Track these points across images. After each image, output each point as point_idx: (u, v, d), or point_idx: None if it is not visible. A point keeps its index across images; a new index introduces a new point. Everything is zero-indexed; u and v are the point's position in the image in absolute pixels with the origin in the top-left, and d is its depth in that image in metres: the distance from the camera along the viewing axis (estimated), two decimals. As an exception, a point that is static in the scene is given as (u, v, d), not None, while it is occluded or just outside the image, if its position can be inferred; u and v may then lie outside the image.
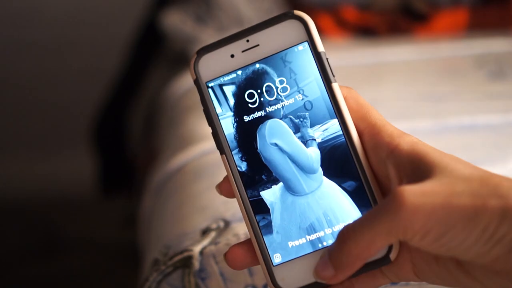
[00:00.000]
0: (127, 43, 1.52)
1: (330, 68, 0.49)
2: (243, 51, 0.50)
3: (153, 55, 1.41)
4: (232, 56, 0.50)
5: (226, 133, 0.50)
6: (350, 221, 0.47)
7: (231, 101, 0.50)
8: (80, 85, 1.86)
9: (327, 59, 0.50)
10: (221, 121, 0.50)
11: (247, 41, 0.50)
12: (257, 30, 0.50)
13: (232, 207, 0.68)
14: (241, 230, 0.64)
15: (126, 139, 1.49)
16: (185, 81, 1.09)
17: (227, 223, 0.65)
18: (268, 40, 0.50)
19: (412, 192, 0.44)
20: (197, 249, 0.63)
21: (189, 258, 0.62)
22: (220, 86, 0.50)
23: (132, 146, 1.46)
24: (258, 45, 0.50)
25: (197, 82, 0.50)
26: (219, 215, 0.67)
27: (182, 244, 0.65)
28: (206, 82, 0.50)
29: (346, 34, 1.25)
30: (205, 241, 0.63)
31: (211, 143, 0.83)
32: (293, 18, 0.50)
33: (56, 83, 1.87)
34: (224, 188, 0.51)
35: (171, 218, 0.74)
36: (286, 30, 0.50)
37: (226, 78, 0.50)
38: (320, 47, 0.50)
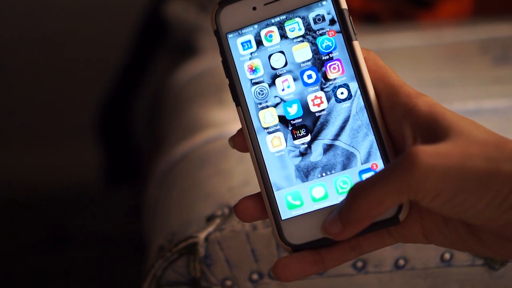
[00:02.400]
0: (130, 33, 1.52)
1: (352, 26, 0.50)
2: (265, 4, 0.50)
3: (157, 45, 1.41)
4: (254, 8, 0.50)
5: (243, 86, 0.50)
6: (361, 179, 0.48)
7: (250, 53, 0.50)
8: (83, 76, 1.86)
9: (349, 16, 0.49)
10: (238, 73, 0.50)
11: None
12: None
13: (236, 194, 0.68)
14: (246, 216, 0.63)
15: (131, 129, 1.49)
16: (189, 70, 1.09)
17: (231, 210, 0.65)
18: None
19: (426, 152, 0.44)
20: (202, 235, 0.63)
21: (194, 245, 0.62)
22: (240, 38, 0.51)
23: (137, 136, 1.46)
24: None
25: (217, 33, 0.51)
26: (224, 202, 0.67)
27: (187, 231, 0.65)
28: (226, 33, 0.51)
29: (350, 22, 1.24)
30: (210, 228, 0.63)
31: (214, 131, 0.83)
32: None
33: (59, 74, 1.87)
34: (237, 141, 0.51)
35: (175, 206, 0.74)
36: None
37: (247, 30, 0.50)
38: (343, 4, 0.50)
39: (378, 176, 0.45)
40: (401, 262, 0.62)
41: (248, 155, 0.51)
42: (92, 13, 1.83)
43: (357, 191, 0.45)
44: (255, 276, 0.62)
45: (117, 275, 1.54)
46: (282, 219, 0.49)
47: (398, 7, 1.24)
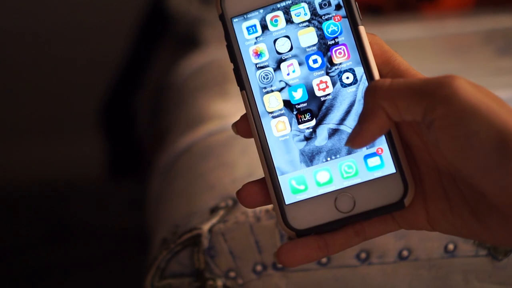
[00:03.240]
0: (133, 25, 1.52)
1: (358, 11, 0.50)
2: None
3: (160, 37, 1.41)
4: None
5: (247, 70, 0.50)
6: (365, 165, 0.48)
7: (255, 38, 0.51)
8: (87, 70, 1.86)
9: (355, 1, 0.50)
10: (243, 57, 0.50)
11: None
12: None
13: (240, 186, 0.67)
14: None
15: (134, 122, 1.49)
16: (192, 63, 1.08)
17: (235, 202, 0.65)
18: None
19: (466, 80, 0.43)
20: (206, 227, 0.63)
21: (198, 236, 0.62)
22: (245, 22, 0.51)
23: (140, 129, 1.46)
24: None
25: (222, 17, 0.51)
26: (227, 194, 0.67)
27: (190, 223, 0.65)
28: (231, 18, 0.51)
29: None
30: (214, 220, 0.63)
31: (218, 123, 0.83)
32: None
33: (62, 68, 1.87)
34: (240, 127, 0.50)
35: (179, 198, 0.74)
36: None
37: (252, 15, 0.51)
38: None
39: (404, 79, 0.45)
40: (405, 253, 0.61)
41: (251, 146, 0.51)
42: (95, 6, 1.83)
43: (377, 81, 0.45)
44: (259, 268, 0.62)
45: (120, 268, 1.54)
46: (286, 203, 0.49)
47: (401, -1, 1.24)
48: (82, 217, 1.72)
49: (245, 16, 0.51)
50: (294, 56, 0.50)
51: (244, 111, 0.50)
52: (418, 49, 1.06)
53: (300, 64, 0.50)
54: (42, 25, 1.84)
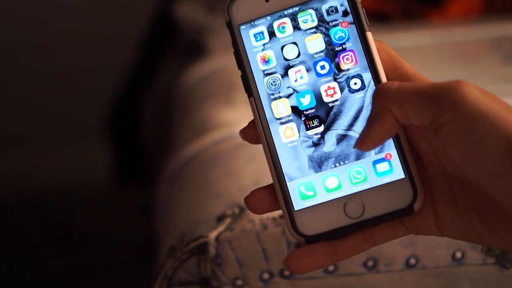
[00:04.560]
0: (140, 34, 1.52)
1: (365, 17, 0.50)
2: None
3: (166, 46, 1.41)
4: (267, 0, 0.51)
5: (255, 77, 0.50)
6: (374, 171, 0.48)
7: (263, 44, 0.51)
8: (94, 77, 1.86)
9: (362, 7, 0.50)
10: (251, 64, 0.50)
11: None
12: None
13: (246, 194, 0.67)
14: (256, 216, 0.63)
15: (141, 130, 1.50)
16: (198, 71, 1.09)
17: (242, 210, 0.65)
18: None
19: (474, 86, 0.43)
20: (212, 235, 0.63)
21: (205, 245, 0.62)
22: (253, 29, 0.51)
23: (146, 137, 1.46)
24: None
25: (229, 24, 0.51)
26: (234, 202, 0.67)
27: (197, 231, 0.65)
28: (238, 25, 0.51)
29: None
30: (221, 228, 0.63)
31: (224, 131, 0.83)
32: None
33: (69, 75, 1.88)
34: (248, 133, 0.50)
35: (186, 206, 0.74)
36: None
37: (259, 22, 0.51)
38: None
39: (412, 82, 0.45)
40: (412, 261, 0.61)
41: (258, 154, 0.51)
42: (102, 14, 1.84)
43: (385, 84, 0.45)
44: (265, 276, 0.62)
45: (127, 275, 1.54)
46: (295, 210, 0.49)
47: (408, 6, 1.24)
48: (88, 224, 1.72)
49: (252, 23, 0.51)
50: (302, 63, 0.50)
51: (251, 118, 0.50)
52: (425, 56, 1.06)
53: (307, 70, 0.50)
54: (50, 32, 1.85)
